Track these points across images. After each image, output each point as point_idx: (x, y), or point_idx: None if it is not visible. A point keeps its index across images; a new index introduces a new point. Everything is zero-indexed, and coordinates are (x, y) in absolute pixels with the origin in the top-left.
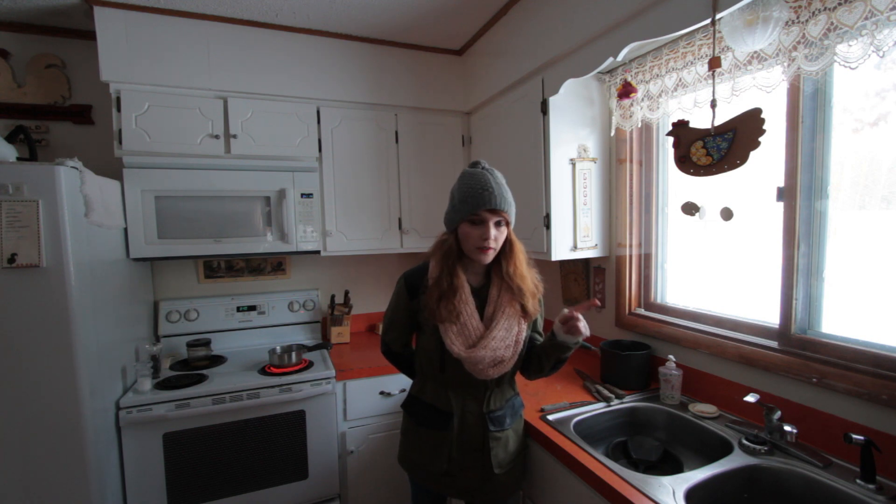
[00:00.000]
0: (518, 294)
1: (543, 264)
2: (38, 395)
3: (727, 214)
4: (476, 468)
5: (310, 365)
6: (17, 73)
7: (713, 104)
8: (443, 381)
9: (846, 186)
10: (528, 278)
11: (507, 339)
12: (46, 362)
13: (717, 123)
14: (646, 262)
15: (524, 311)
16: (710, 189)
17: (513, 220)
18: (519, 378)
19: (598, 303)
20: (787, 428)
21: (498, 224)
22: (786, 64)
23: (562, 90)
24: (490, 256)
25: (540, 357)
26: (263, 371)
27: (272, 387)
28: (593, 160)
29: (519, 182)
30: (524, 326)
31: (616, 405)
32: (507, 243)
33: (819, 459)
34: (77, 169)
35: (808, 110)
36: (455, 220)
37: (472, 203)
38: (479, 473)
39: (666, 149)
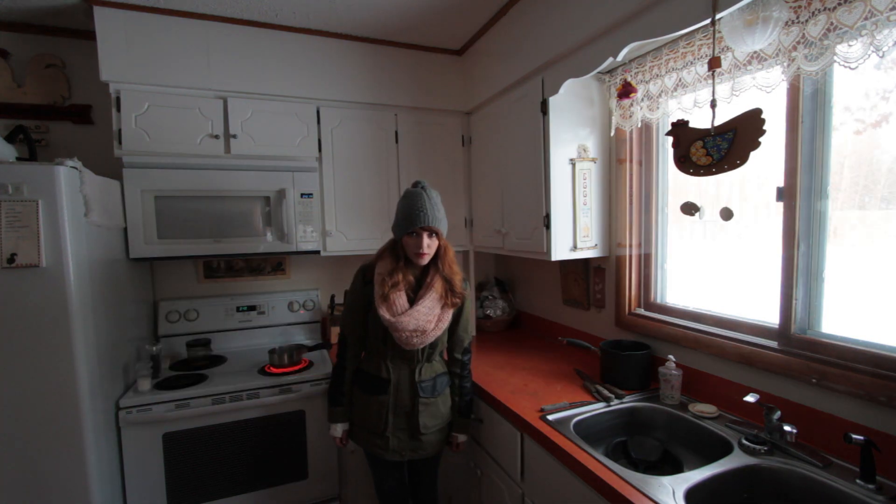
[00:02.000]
0: (450, 283)
1: (543, 264)
2: (38, 394)
3: (727, 214)
4: (405, 429)
5: (310, 365)
6: (17, 73)
7: (713, 104)
8: (383, 354)
9: (846, 186)
10: (457, 272)
11: (429, 315)
12: (46, 362)
13: (717, 123)
14: (646, 262)
15: (450, 301)
16: (710, 189)
17: (444, 230)
18: (516, 376)
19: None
20: (786, 428)
21: (430, 235)
22: (786, 64)
23: (562, 90)
24: (425, 260)
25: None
26: (263, 371)
27: (272, 387)
28: (593, 160)
29: (519, 182)
30: (448, 314)
31: (616, 405)
32: (441, 248)
33: (819, 459)
34: (77, 169)
35: (808, 110)
36: (399, 232)
37: (410, 221)
38: (408, 434)
39: (666, 149)
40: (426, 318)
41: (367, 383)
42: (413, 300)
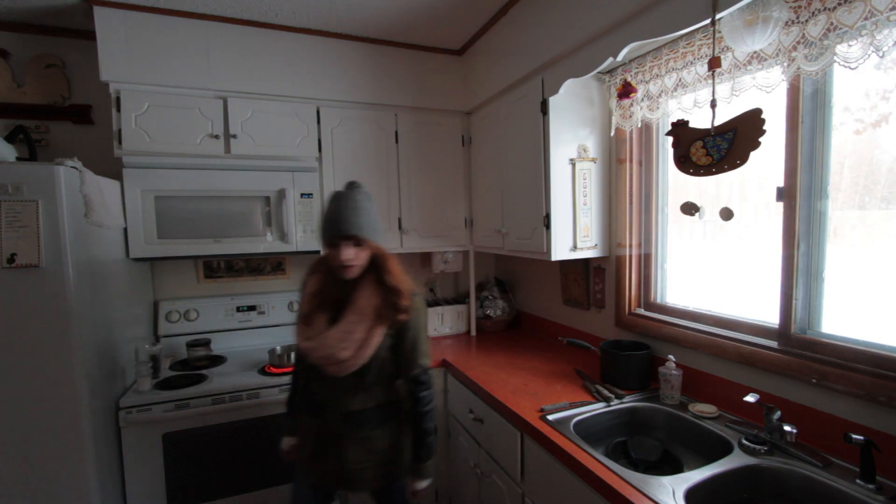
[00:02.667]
0: (392, 294)
1: (543, 264)
2: (38, 395)
3: (727, 214)
4: (333, 460)
5: None
6: (17, 73)
7: (713, 104)
8: (319, 375)
9: (846, 186)
10: (405, 281)
11: (345, 340)
12: (46, 362)
13: (717, 123)
14: (646, 262)
15: (387, 316)
16: (710, 189)
17: (372, 237)
18: (516, 376)
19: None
20: (786, 428)
21: (357, 244)
22: (785, 64)
23: (562, 90)
24: (352, 272)
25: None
26: (263, 371)
27: (272, 387)
28: (593, 160)
29: (519, 182)
30: (379, 334)
31: (616, 405)
32: (377, 256)
33: (819, 459)
34: (77, 169)
35: (808, 110)
36: (322, 244)
37: (327, 232)
38: (337, 463)
39: (666, 149)
40: (340, 344)
41: (306, 402)
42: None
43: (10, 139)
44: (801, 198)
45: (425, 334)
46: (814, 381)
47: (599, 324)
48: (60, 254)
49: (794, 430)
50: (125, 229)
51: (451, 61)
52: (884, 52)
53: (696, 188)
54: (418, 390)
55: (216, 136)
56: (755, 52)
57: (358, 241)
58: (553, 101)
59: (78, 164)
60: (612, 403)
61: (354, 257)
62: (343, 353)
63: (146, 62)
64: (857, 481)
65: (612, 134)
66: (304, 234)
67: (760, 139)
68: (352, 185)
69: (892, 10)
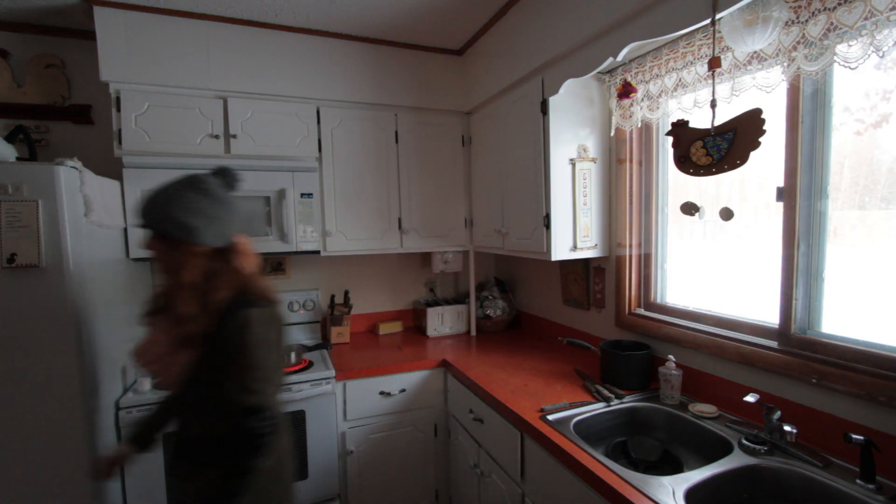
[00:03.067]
0: (178, 313)
1: (543, 264)
2: (38, 394)
3: (727, 214)
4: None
5: (310, 365)
6: (17, 73)
7: (713, 104)
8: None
9: (846, 186)
10: (183, 299)
11: (149, 351)
12: (46, 362)
13: (717, 123)
14: (646, 262)
15: (182, 338)
16: (710, 189)
17: (165, 229)
18: (516, 376)
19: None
20: (786, 428)
21: (155, 237)
22: (785, 64)
23: (562, 90)
24: (162, 268)
25: None
26: None
27: None
28: (593, 160)
29: (519, 182)
30: (182, 354)
31: (616, 405)
32: (167, 258)
33: (819, 459)
34: (77, 169)
35: (808, 110)
36: None
37: None
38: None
39: (666, 149)
40: (146, 355)
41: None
42: None
43: (10, 139)
44: (801, 198)
45: (255, 362)
46: (814, 381)
47: (599, 324)
48: (60, 254)
49: (794, 430)
50: (125, 229)
51: (451, 61)
52: (884, 52)
53: (696, 188)
54: (246, 440)
55: (216, 136)
56: (755, 52)
57: (154, 233)
58: (553, 101)
59: (78, 164)
60: (612, 403)
61: (153, 250)
62: (151, 367)
63: (146, 62)
64: (857, 481)
65: (612, 134)
66: (304, 234)
67: (760, 139)
68: (219, 172)
69: (892, 10)
